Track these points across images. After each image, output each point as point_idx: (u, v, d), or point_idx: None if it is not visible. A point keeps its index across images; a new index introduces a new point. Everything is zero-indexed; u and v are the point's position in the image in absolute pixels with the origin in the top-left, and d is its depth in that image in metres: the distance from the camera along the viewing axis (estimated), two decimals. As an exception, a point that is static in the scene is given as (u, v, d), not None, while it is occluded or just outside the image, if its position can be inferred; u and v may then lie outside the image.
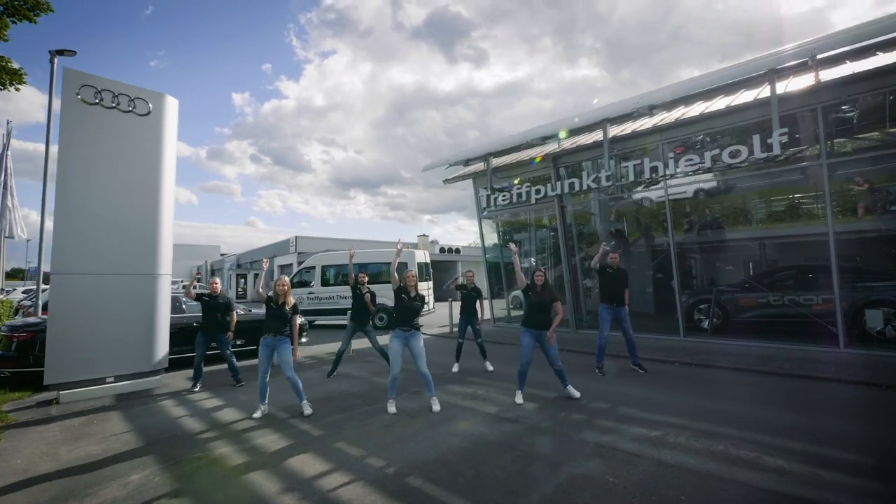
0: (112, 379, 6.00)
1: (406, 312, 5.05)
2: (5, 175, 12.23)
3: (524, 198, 10.51)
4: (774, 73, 7.05)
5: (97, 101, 6.08)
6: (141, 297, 6.29)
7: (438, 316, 15.06)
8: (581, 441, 4.01)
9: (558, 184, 9.88)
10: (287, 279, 5.32)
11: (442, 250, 30.15)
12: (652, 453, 3.71)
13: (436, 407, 4.98)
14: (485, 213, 12.24)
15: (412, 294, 5.11)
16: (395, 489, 3.17)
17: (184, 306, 8.11)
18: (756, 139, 7.08)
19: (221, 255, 54.24)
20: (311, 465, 3.64)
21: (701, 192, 9.60)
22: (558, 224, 10.78)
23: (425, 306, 7.57)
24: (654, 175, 8.44)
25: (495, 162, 11.89)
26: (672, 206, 8.99)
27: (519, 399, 5.25)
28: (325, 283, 13.83)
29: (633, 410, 4.84)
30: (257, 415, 4.88)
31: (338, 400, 5.55)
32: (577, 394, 5.35)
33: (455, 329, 11.62)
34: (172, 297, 8.06)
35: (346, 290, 13.40)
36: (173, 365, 7.53)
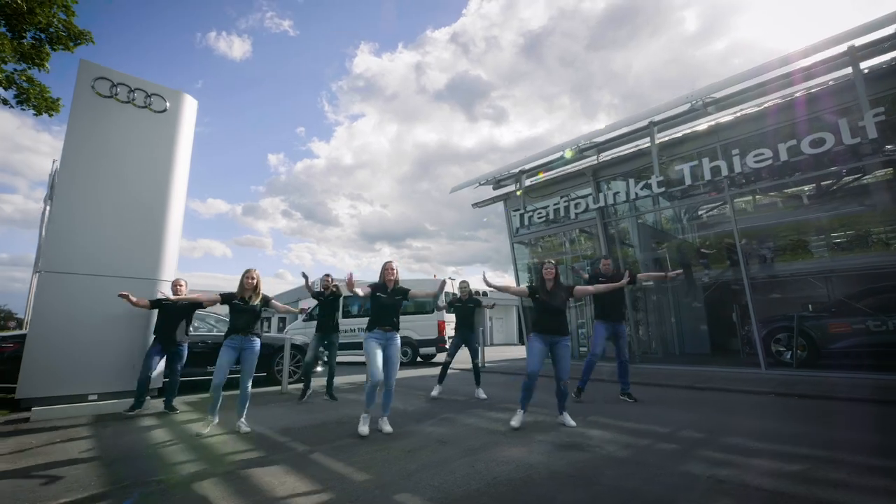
0: (95, 397, 5.16)
1: (383, 309, 4.22)
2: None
3: (562, 214, 9.60)
4: (856, 50, 6.15)
5: (112, 94, 5.77)
6: (139, 304, 5.58)
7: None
8: (688, 475, 2.81)
9: (601, 195, 8.96)
10: (258, 272, 4.64)
11: (475, 293, 29.02)
12: (812, 492, 2.48)
13: (387, 428, 4.09)
14: (517, 234, 11.34)
15: (389, 289, 4.27)
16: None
17: (196, 323, 7.36)
18: (843, 123, 6.05)
19: (250, 301, 54.51)
20: (306, 495, 2.60)
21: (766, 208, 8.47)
22: (601, 244, 9.73)
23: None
24: (715, 178, 7.42)
25: (528, 182, 11.16)
26: (738, 229, 7.80)
27: (516, 422, 4.15)
28: (346, 314, 12.96)
29: (740, 440, 3.58)
30: (206, 430, 4.10)
31: (350, 424, 4.49)
32: (573, 423, 4.22)
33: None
34: (180, 312, 7.38)
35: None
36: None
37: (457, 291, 6.58)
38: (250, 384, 4.36)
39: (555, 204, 9.74)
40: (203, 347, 7.19)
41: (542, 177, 9.96)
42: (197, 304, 5.50)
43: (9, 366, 5.55)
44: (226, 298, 4.49)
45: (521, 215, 10.52)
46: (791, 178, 7.03)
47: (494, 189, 11.98)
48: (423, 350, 11.87)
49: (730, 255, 8.53)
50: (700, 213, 10.12)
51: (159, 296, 5.65)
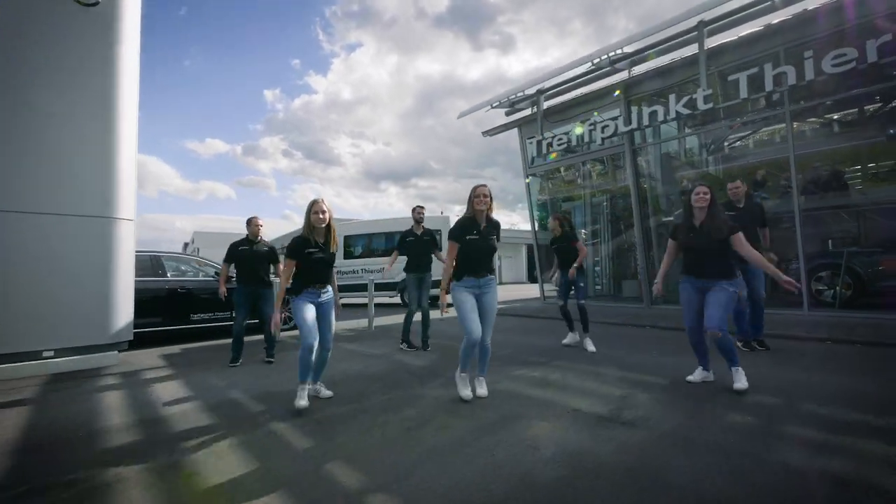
0: (51, 353, 4.49)
1: (479, 252, 3.22)
2: None
3: (587, 139, 8.39)
4: None
5: (26, -17, 4.52)
6: (91, 247, 4.75)
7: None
8: (788, 469, 2.03)
9: (634, 116, 7.68)
10: (327, 202, 3.46)
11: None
12: None
13: (481, 391, 3.31)
14: (532, 165, 10.18)
15: (482, 226, 3.22)
16: None
17: (168, 270, 6.60)
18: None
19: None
20: (262, 507, 1.86)
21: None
22: (629, 174, 8.59)
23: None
24: (777, 87, 6.12)
25: (547, 104, 9.78)
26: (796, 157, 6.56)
27: (696, 377, 3.53)
28: (348, 255, 12.20)
29: (829, 409, 2.79)
30: (303, 402, 3.02)
31: (345, 384, 3.79)
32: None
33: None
34: (152, 255, 6.60)
35: (373, 263, 11.74)
36: (149, 340, 6.07)
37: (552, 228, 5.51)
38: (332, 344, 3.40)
39: (578, 128, 8.49)
40: (184, 293, 6.49)
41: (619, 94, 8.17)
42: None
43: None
44: (294, 251, 3.17)
45: (539, 143, 9.29)
46: (881, 85, 5.72)
47: (508, 114, 10.63)
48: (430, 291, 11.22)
49: (778, 185, 7.41)
50: (743, 138, 8.82)
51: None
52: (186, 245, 67.84)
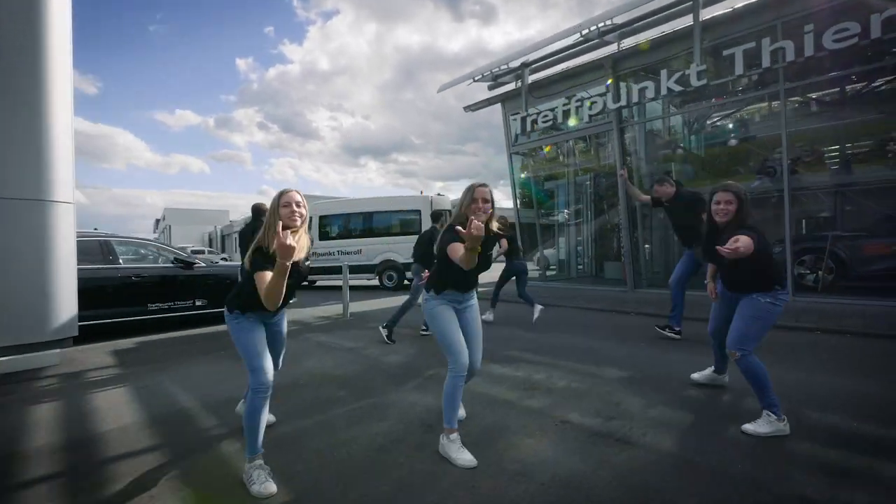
0: (-21, 353, 3.98)
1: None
2: None
3: (573, 116, 8.00)
4: None
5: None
6: (23, 234, 4.18)
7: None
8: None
9: (624, 92, 7.30)
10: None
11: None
12: None
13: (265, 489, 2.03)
14: (516, 143, 9.76)
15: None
16: None
17: (119, 257, 6.02)
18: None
19: (231, 220, 52.85)
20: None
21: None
22: (616, 153, 8.27)
23: None
24: (774, 64, 5.82)
25: (532, 79, 9.29)
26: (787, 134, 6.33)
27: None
28: (324, 236, 11.68)
29: (837, 417, 2.59)
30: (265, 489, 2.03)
31: (309, 389, 3.44)
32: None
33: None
34: (102, 241, 6.03)
35: (350, 244, 11.27)
36: (104, 333, 5.57)
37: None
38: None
39: (564, 104, 8.07)
40: (139, 281, 5.96)
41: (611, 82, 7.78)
42: None
43: None
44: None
45: (523, 119, 8.85)
46: (882, 62, 5.47)
47: (490, 88, 10.10)
48: (408, 274, 10.87)
49: (765, 164, 7.22)
50: (730, 115, 8.56)
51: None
52: (158, 221, 65.38)
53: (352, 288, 11.02)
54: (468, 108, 10.61)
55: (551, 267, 12.87)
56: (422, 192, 11.19)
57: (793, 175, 6.60)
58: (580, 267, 11.78)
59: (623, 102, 7.22)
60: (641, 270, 8.59)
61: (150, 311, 6.09)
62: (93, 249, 5.78)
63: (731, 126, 8.55)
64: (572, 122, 8.25)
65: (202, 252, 39.52)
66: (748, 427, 2.46)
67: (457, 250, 2.11)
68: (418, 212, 10.82)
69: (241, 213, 40.81)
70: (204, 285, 6.51)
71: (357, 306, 8.01)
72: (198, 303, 6.48)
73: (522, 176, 10.79)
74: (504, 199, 11.14)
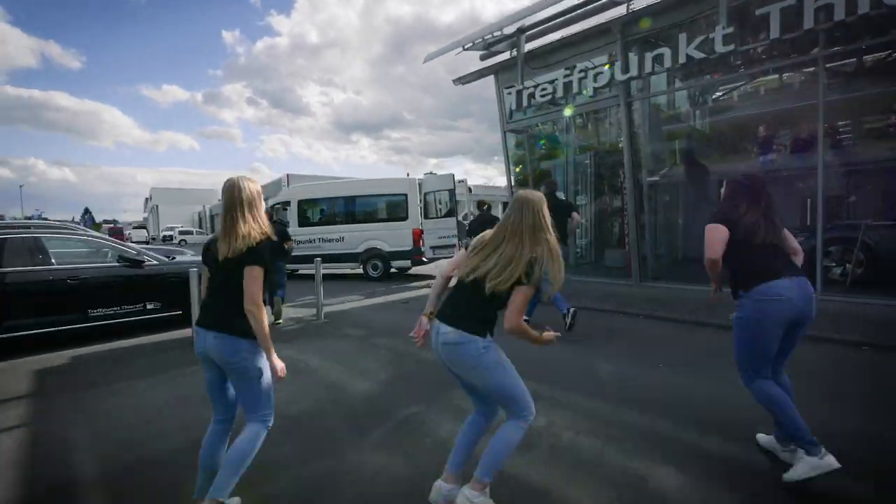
0: None
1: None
2: None
3: (575, 90, 7.09)
4: None
5: None
6: None
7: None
8: None
9: (634, 62, 6.38)
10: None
11: (470, 190, 26.27)
12: None
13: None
14: (511, 120, 8.83)
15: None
16: None
17: (51, 256, 5.19)
18: None
19: (219, 199, 51.52)
20: None
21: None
22: (623, 129, 7.41)
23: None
24: (818, 24, 4.92)
25: (529, 47, 8.29)
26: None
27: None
28: (304, 222, 10.80)
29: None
30: None
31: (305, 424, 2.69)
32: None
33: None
34: (29, 238, 5.19)
35: (331, 231, 10.42)
36: (41, 344, 4.80)
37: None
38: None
39: (565, 75, 7.14)
40: (78, 284, 5.15)
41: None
42: None
43: None
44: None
45: (519, 93, 7.91)
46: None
47: (483, 58, 9.09)
48: (395, 263, 10.08)
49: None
50: (752, 86, 7.69)
51: None
52: (147, 200, 63.74)
53: (335, 277, 10.30)
54: (458, 81, 9.61)
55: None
56: (408, 175, 10.30)
57: (825, 151, 5.80)
58: (578, 252, 11.06)
59: (633, 73, 6.30)
60: (648, 261, 7.86)
61: (92, 319, 5.31)
62: (16, 248, 4.96)
63: (752, 97, 7.70)
64: (581, 93, 7.31)
65: (190, 233, 38.44)
66: (788, 476, 2.00)
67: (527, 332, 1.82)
68: (404, 196, 9.95)
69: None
70: (156, 286, 5.72)
71: (335, 305, 7.25)
72: (149, 306, 5.70)
73: (517, 153, 9.91)
74: (498, 176, 10.28)
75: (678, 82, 7.64)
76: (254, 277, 1.75)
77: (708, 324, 4.97)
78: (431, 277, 10.50)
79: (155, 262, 5.85)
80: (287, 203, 10.79)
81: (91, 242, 5.92)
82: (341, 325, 5.86)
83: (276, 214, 9.31)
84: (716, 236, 2.15)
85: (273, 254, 1.87)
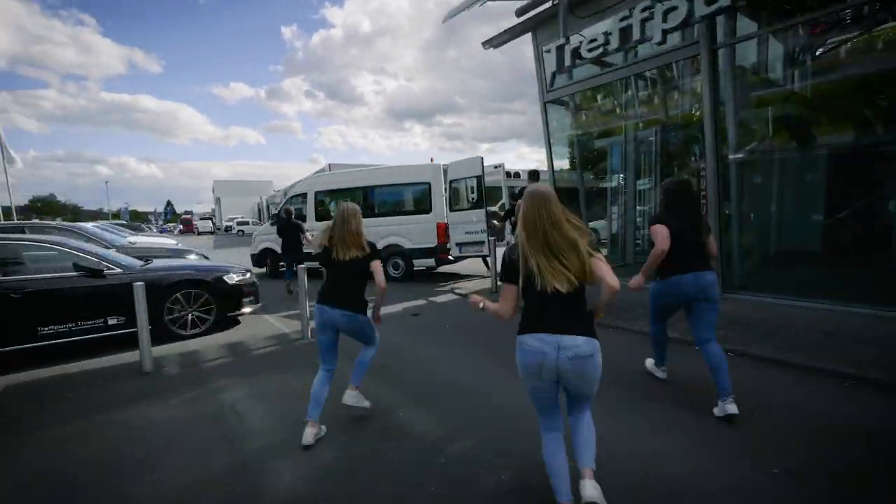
0: None
1: None
2: None
3: (634, 39, 5.32)
4: None
5: None
6: None
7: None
8: None
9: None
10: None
11: (509, 174, 24.45)
12: None
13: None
14: (552, 87, 7.15)
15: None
16: None
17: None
18: None
19: (275, 190, 53.21)
20: None
21: None
22: (704, 91, 5.55)
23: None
24: None
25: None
26: None
27: None
28: (321, 216, 9.85)
29: None
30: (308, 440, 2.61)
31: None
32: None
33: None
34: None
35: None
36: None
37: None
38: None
39: (623, 18, 5.36)
40: (20, 299, 4.41)
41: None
42: None
43: None
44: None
45: (560, 51, 6.22)
46: None
47: (519, 14, 7.45)
48: (418, 261, 8.83)
49: None
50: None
51: None
52: (214, 191, 67.81)
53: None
54: (487, 44, 8.00)
55: (602, 242, 10.41)
56: (432, 160, 8.92)
57: None
58: (638, 245, 9.17)
59: (725, 2, 4.42)
60: (734, 263, 5.98)
61: (42, 338, 4.58)
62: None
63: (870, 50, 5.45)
64: (644, 43, 5.51)
65: (247, 224, 39.78)
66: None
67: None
68: (427, 185, 8.61)
69: (290, 180, 40.13)
70: (120, 297, 4.87)
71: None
72: (112, 321, 4.91)
73: (559, 135, 8.19)
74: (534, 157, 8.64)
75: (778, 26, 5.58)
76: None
77: (864, 379, 3.19)
78: (460, 278, 9.14)
79: (118, 271, 5.03)
80: (304, 195, 9.88)
81: (51, 247, 5.18)
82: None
83: (290, 209, 8.51)
84: (663, 233, 2.77)
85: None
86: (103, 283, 4.86)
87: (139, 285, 4.17)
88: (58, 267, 4.81)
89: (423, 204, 8.69)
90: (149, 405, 3.35)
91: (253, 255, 10.75)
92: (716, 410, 2.72)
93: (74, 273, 4.75)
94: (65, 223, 9.05)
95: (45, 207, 57.26)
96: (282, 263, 8.74)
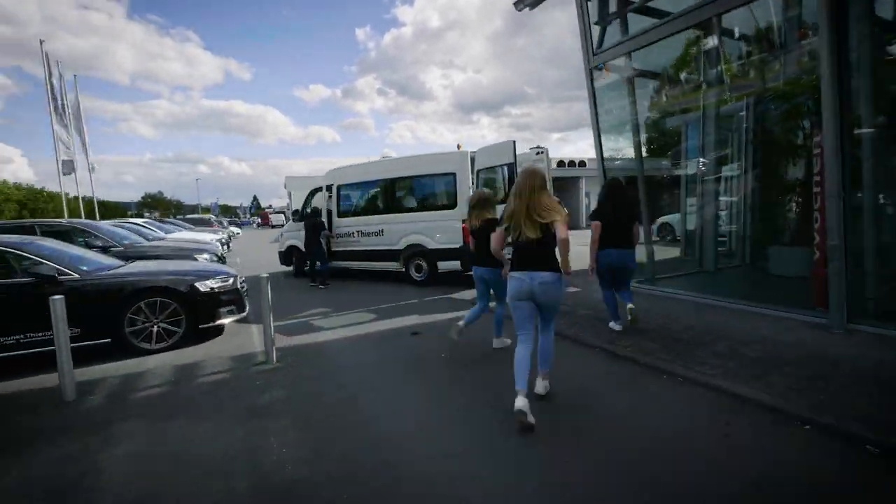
0: None
1: None
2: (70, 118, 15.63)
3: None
4: None
5: None
6: None
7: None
8: None
9: None
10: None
11: (561, 164, 22.77)
12: None
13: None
14: (601, 49, 5.59)
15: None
16: None
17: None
18: None
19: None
20: None
21: None
22: (823, 46, 3.79)
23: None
24: None
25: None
26: None
27: None
28: (343, 212, 9.07)
29: None
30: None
31: None
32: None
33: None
34: None
35: (370, 223, 8.48)
36: None
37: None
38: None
39: None
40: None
41: None
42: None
43: None
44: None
45: (603, 3, 4.69)
46: None
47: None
48: (442, 264, 7.67)
49: None
50: None
51: None
52: (285, 186, 72.81)
53: (375, 274, 8.33)
54: (520, 5, 6.55)
55: (676, 239, 8.66)
56: (459, 147, 7.69)
57: None
58: (724, 247, 7.26)
59: None
60: (865, 280, 4.11)
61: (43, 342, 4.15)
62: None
63: None
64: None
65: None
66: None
67: None
68: (452, 176, 7.41)
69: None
70: (77, 306, 4.32)
71: (326, 329, 5.23)
72: (74, 331, 4.37)
73: (616, 117, 6.57)
74: (627, 148, 7.01)
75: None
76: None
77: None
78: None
79: (76, 276, 4.50)
80: (329, 188, 9.18)
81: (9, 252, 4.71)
82: (288, 378, 3.76)
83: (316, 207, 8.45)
84: (596, 229, 4.15)
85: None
86: (56, 290, 4.34)
87: (57, 299, 3.51)
88: (9, 273, 4.37)
89: (447, 197, 7.52)
90: (34, 451, 2.63)
91: (280, 253, 10.40)
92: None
93: (26, 279, 4.28)
94: (76, 220, 9.13)
95: (153, 203, 64.09)
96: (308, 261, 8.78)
